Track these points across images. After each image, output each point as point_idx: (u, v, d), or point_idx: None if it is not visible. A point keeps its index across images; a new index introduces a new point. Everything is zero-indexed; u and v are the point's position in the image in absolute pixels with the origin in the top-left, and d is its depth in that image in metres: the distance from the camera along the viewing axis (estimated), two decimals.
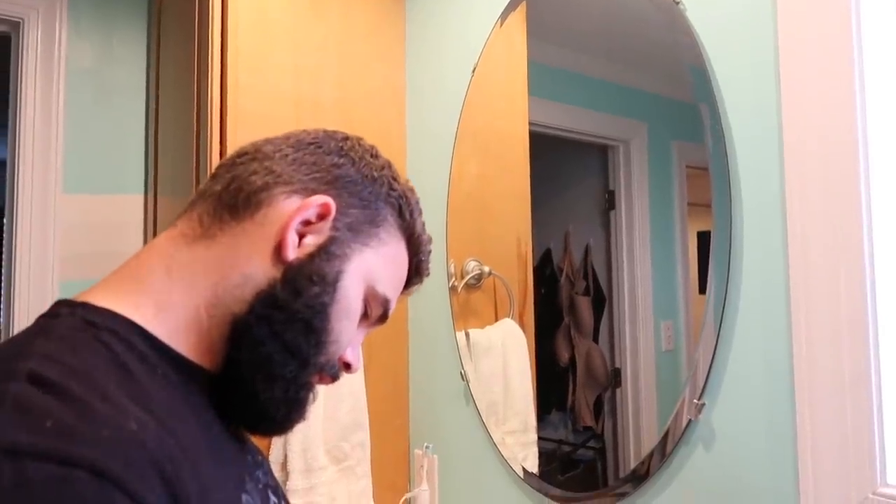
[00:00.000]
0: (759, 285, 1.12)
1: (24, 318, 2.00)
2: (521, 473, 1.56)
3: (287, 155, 0.73)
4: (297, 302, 0.67)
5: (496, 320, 1.66)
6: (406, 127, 2.02)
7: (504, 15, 1.66)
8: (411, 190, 0.81)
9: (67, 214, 2.10)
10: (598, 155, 1.42)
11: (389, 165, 0.79)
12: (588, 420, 1.42)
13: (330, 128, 1.62)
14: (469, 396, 1.74)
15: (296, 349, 0.68)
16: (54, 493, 0.44)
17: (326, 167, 0.73)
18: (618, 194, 1.36)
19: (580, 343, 1.44)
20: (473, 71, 1.75)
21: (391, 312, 0.79)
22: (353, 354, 0.76)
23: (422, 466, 1.86)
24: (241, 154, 0.74)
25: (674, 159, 1.27)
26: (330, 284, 0.69)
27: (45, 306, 1.87)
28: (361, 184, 0.74)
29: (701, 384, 1.18)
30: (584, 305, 1.43)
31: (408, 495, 1.88)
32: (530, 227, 1.56)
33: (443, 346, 1.85)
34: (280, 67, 1.76)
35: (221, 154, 1.67)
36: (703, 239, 1.20)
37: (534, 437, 1.54)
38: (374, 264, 0.74)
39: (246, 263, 0.67)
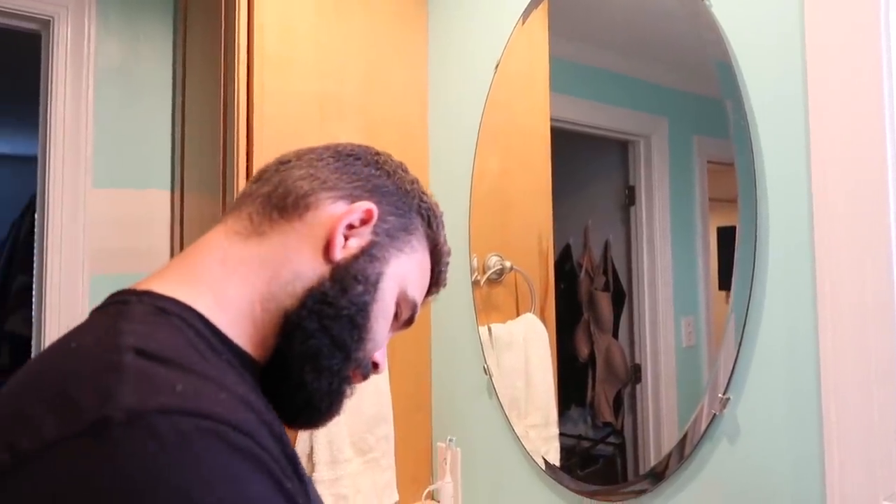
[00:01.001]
0: (784, 280, 1.13)
1: (56, 311, 2.05)
2: (543, 467, 1.58)
3: (329, 164, 0.79)
4: (344, 299, 0.72)
5: (517, 315, 1.68)
6: (428, 124, 2.04)
7: (526, 13, 1.68)
8: (436, 205, 0.87)
9: (97, 209, 2.14)
10: (618, 150, 1.43)
11: (418, 181, 0.85)
12: (607, 416, 1.44)
13: (353, 126, 1.66)
14: (492, 391, 1.76)
15: (341, 343, 0.73)
16: (207, 441, 0.49)
17: (365, 177, 0.79)
18: (638, 190, 1.37)
19: (600, 339, 1.45)
20: (496, 67, 1.76)
21: (417, 317, 0.85)
22: (381, 355, 0.81)
23: (444, 459, 1.89)
24: (284, 161, 0.80)
25: (695, 154, 1.28)
26: (372, 284, 0.75)
27: (76, 300, 1.92)
28: (396, 194, 0.80)
29: (725, 379, 1.19)
30: (604, 301, 1.44)
31: (431, 487, 1.91)
32: (552, 223, 1.58)
33: (465, 340, 1.87)
34: (304, 67, 1.79)
35: (248, 153, 1.70)
36: (724, 234, 1.21)
37: (555, 431, 1.56)
38: (407, 269, 0.80)
39: (296, 261, 0.72)
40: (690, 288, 1.27)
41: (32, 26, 2.18)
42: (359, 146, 0.84)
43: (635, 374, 1.37)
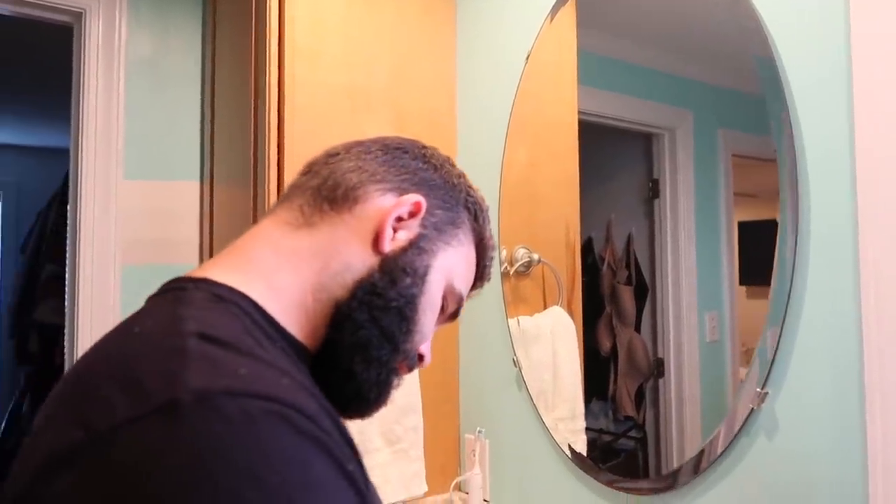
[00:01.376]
0: (826, 275, 1.12)
1: (88, 300, 2.10)
2: (573, 459, 1.58)
3: (377, 157, 0.80)
4: (393, 290, 0.73)
5: (544, 308, 1.69)
6: (457, 115, 2.05)
7: (554, 10, 1.67)
8: (483, 199, 0.88)
9: (128, 200, 2.18)
10: (641, 143, 1.43)
11: (464, 175, 0.87)
12: (629, 410, 1.44)
13: (383, 118, 1.67)
14: (521, 383, 1.77)
15: (390, 335, 0.74)
16: (272, 423, 0.51)
17: (413, 170, 0.80)
18: (662, 183, 1.37)
19: (622, 332, 1.45)
20: (527, 58, 1.76)
21: (462, 311, 0.86)
22: (427, 347, 0.82)
23: (473, 451, 1.90)
24: (333, 154, 0.82)
25: (720, 148, 1.27)
26: (420, 277, 0.76)
27: (108, 290, 1.96)
28: (444, 188, 0.81)
29: (763, 373, 1.18)
30: (627, 295, 1.45)
31: (459, 478, 1.93)
32: (579, 215, 1.58)
33: (493, 332, 1.88)
34: (334, 59, 1.81)
35: (279, 145, 1.73)
36: (745, 229, 1.20)
37: (582, 424, 1.57)
38: (453, 263, 0.81)
39: (346, 252, 0.73)
40: (714, 283, 1.27)
41: (65, 18, 2.21)
42: (406, 140, 0.85)
43: (658, 368, 1.37)
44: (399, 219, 0.76)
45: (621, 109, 1.48)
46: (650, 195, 1.39)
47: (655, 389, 1.38)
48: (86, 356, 0.63)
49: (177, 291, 0.67)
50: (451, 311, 0.84)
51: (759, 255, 1.19)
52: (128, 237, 2.16)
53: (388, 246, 0.74)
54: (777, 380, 1.18)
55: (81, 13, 2.17)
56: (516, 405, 1.80)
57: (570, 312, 1.61)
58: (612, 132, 1.52)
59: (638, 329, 1.42)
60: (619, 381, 1.46)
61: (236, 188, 1.97)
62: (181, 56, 2.31)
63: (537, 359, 1.70)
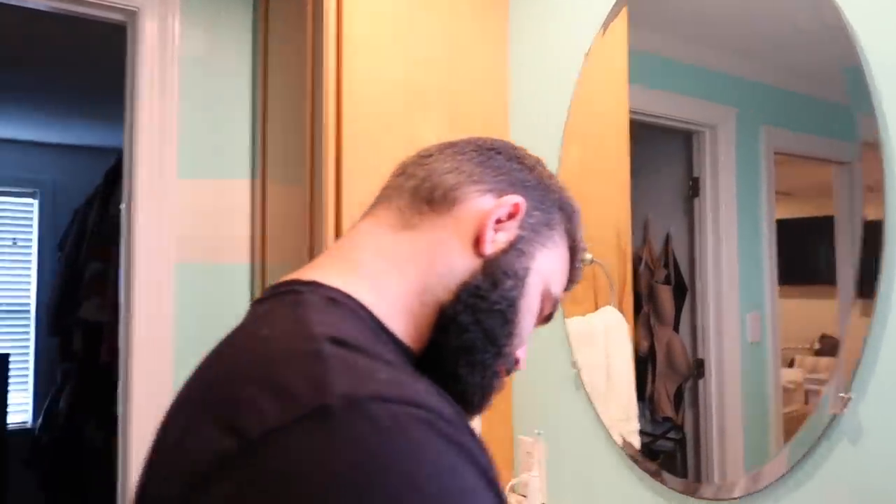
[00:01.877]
0: None
1: (143, 299, 2.13)
2: (634, 461, 1.56)
3: (472, 158, 0.79)
4: (495, 293, 0.73)
5: (596, 308, 1.68)
6: (509, 114, 2.05)
7: (614, 9, 1.66)
8: (574, 200, 0.87)
9: (181, 199, 2.21)
10: (681, 141, 1.42)
11: (555, 176, 0.87)
12: (668, 411, 1.43)
13: (437, 115, 1.66)
14: (579, 384, 1.76)
15: (494, 338, 0.74)
16: (421, 429, 0.51)
17: (508, 171, 0.79)
18: (703, 181, 1.36)
19: (660, 332, 1.44)
20: (586, 56, 1.75)
21: (557, 314, 0.86)
22: (523, 351, 0.82)
23: (528, 452, 1.90)
24: (426, 154, 0.82)
25: (762, 146, 1.25)
26: (520, 279, 0.75)
27: (162, 288, 2.00)
28: (538, 189, 0.81)
29: (846, 378, 1.15)
30: (665, 294, 1.44)
31: (514, 481, 1.92)
32: (629, 215, 1.57)
33: (547, 332, 1.87)
34: (390, 56, 1.82)
35: (338, 142, 1.73)
36: (784, 228, 1.18)
37: (636, 425, 1.55)
38: (549, 264, 0.80)
39: (448, 255, 0.73)
40: (756, 283, 1.26)
41: (119, 17, 2.24)
42: (497, 140, 0.84)
43: (698, 368, 1.36)
44: (499, 220, 0.75)
45: (662, 106, 1.48)
46: (690, 193, 1.38)
47: (695, 391, 1.37)
48: (210, 361, 0.64)
49: (292, 294, 0.67)
50: (546, 314, 0.84)
51: (801, 253, 1.18)
52: (180, 235, 2.20)
53: (490, 248, 0.73)
54: (861, 385, 1.15)
55: (135, 12, 2.20)
56: (574, 406, 1.79)
57: (622, 312, 1.60)
58: (651, 129, 1.51)
59: (676, 329, 1.41)
60: (658, 381, 1.45)
61: (290, 186, 2.00)
62: (232, 54, 2.34)
63: (592, 359, 1.69)
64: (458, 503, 0.49)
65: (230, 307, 2.23)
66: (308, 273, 0.72)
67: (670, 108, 1.45)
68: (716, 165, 1.33)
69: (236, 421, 0.52)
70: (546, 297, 0.81)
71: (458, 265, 0.73)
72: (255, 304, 0.71)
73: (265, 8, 2.29)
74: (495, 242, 0.74)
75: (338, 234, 1.68)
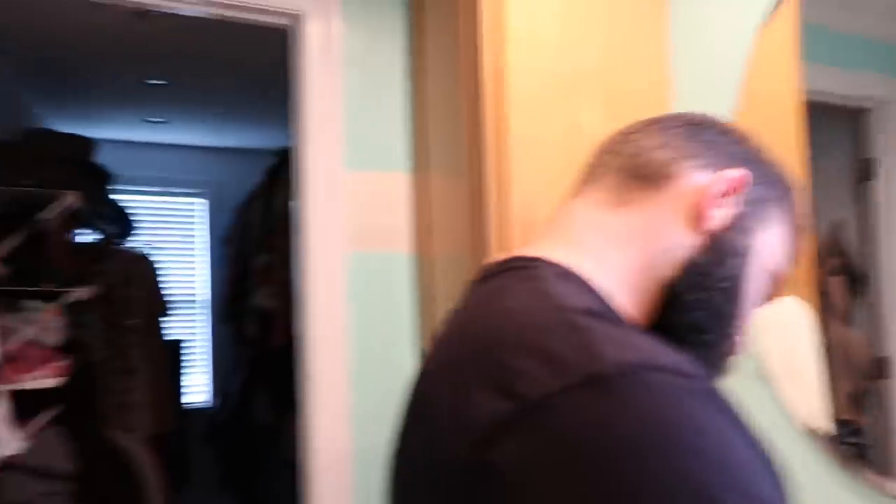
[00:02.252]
0: None
1: (318, 287, 2.24)
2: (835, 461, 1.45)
3: (681, 133, 0.76)
4: (720, 271, 0.71)
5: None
6: (671, 98, 1.93)
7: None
8: (793, 174, 0.82)
9: (349, 191, 2.31)
10: (847, 120, 1.28)
11: (766, 149, 0.81)
12: (846, 413, 1.32)
13: (596, 101, 1.54)
14: (760, 375, 1.65)
15: (719, 316, 0.73)
16: (695, 399, 0.51)
17: (721, 144, 0.76)
18: (878, 162, 1.23)
19: (832, 328, 1.33)
20: (755, 34, 1.61)
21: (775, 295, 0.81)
22: (746, 331, 0.79)
23: None
24: (631, 132, 0.79)
25: None
26: (742, 257, 0.73)
27: (334, 276, 2.14)
28: (754, 163, 0.76)
29: None
30: (836, 286, 1.32)
31: None
32: (811, 199, 1.44)
33: None
34: (549, 42, 1.77)
35: (499, 136, 1.71)
36: None
37: (830, 424, 1.43)
38: (770, 242, 0.76)
39: (668, 231, 0.72)
40: None
41: (283, 21, 2.34)
42: (701, 114, 0.81)
43: (881, 368, 1.24)
44: (721, 196, 0.72)
45: (825, 83, 1.34)
46: (861, 176, 1.25)
47: (878, 391, 1.25)
48: (455, 335, 0.66)
49: (526, 270, 0.68)
50: (767, 293, 0.79)
51: None
52: (349, 225, 2.30)
53: (712, 224, 0.71)
54: None
55: (299, 15, 2.29)
56: (757, 401, 1.68)
57: (806, 303, 1.48)
58: (812, 108, 1.38)
59: (852, 324, 1.29)
60: (833, 381, 1.33)
61: (451, 177, 2.02)
62: (389, 51, 2.41)
63: (774, 351, 1.58)
64: (739, 474, 0.48)
65: (392, 294, 2.34)
66: (531, 250, 0.72)
67: (834, 84, 1.32)
68: (893, 144, 1.20)
69: (513, 387, 0.53)
70: (767, 275, 0.77)
71: (679, 242, 0.71)
72: (480, 281, 0.72)
73: (420, 6, 2.31)
74: (718, 218, 0.71)
75: (502, 224, 1.67)
